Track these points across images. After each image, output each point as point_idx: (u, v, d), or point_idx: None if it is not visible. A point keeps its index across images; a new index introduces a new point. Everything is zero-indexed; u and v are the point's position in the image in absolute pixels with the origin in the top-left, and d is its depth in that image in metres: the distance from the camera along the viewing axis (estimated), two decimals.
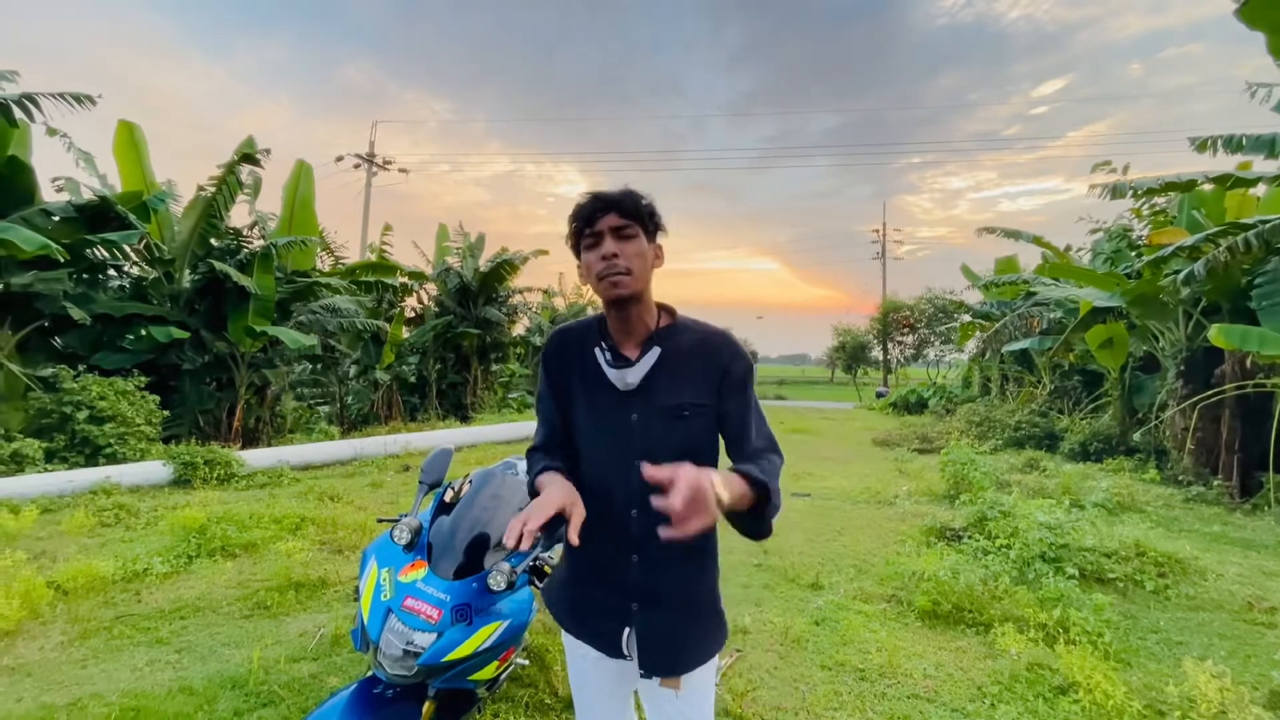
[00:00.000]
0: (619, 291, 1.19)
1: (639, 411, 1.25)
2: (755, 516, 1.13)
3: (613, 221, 1.19)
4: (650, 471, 0.97)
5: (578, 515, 1.08)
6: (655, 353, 1.24)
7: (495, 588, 1.64)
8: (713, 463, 1.27)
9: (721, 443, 1.31)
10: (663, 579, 1.26)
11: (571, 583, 1.37)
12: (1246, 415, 6.78)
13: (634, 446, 1.23)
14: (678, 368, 1.25)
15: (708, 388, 1.25)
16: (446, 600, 1.58)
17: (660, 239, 1.27)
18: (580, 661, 1.37)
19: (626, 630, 1.27)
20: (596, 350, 1.28)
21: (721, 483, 1.00)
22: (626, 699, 1.42)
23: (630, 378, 1.24)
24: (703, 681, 1.30)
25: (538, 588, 1.88)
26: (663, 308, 1.32)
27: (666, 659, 1.27)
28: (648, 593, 1.26)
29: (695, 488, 0.93)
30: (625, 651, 1.27)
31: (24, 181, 7.03)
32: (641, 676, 1.28)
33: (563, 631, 1.39)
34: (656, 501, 0.94)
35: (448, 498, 1.97)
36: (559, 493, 1.10)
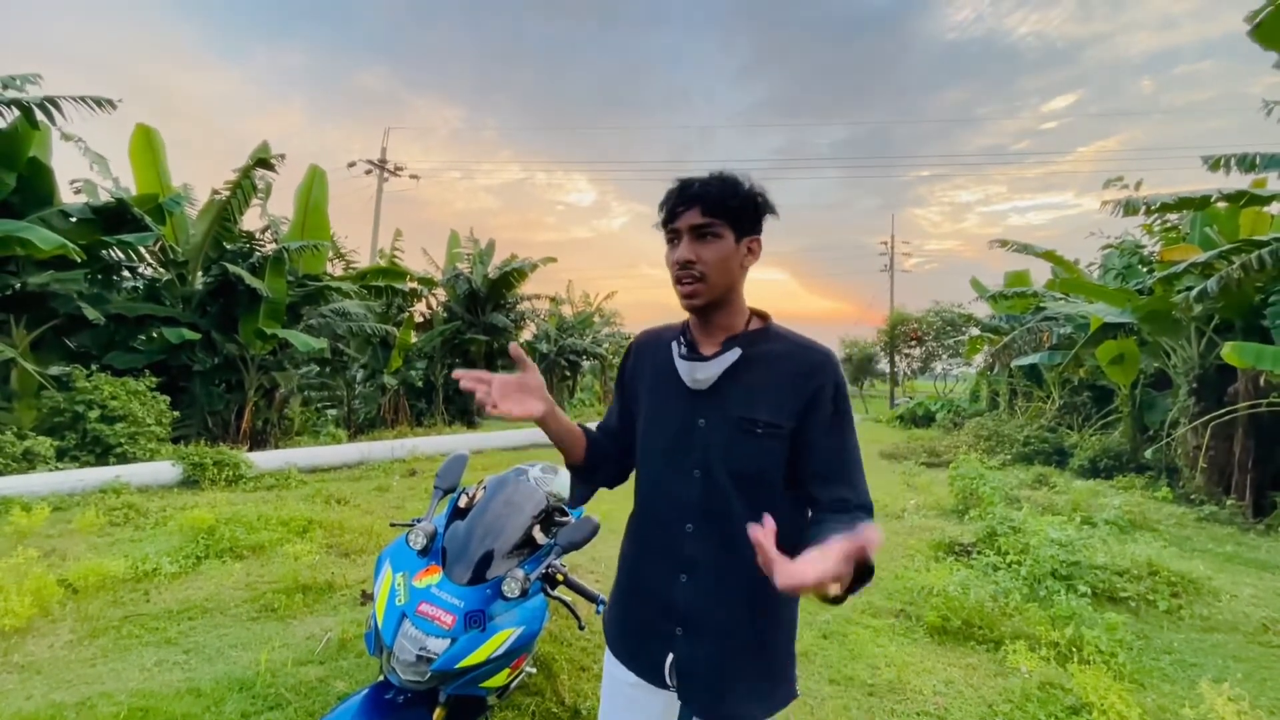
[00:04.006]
0: (692, 302, 1.11)
1: (706, 417, 1.13)
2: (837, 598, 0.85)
3: (693, 220, 1.07)
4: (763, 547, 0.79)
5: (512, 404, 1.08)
6: (735, 353, 1.12)
7: (509, 594, 1.63)
8: (774, 497, 1.11)
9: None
10: (713, 606, 1.13)
11: (620, 599, 1.28)
12: (1260, 434, 6.71)
13: (694, 455, 1.13)
14: (759, 376, 1.12)
15: (790, 408, 1.09)
16: (461, 606, 1.58)
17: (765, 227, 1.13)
18: (614, 684, 1.26)
19: (670, 656, 1.15)
20: (673, 344, 1.19)
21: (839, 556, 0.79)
22: None
23: (700, 374, 1.12)
24: None
25: (550, 595, 1.87)
26: (756, 312, 1.20)
27: (710, 698, 1.13)
28: (693, 618, 1.14)
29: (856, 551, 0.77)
30: (668, 680, 1.16)
31: (43, 183, 7.13)
32: (682, 704, 1.15)
33: (606, 651, 1.29)
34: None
35: (462, 503, 1.97)
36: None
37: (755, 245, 1.13)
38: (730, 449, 1.11)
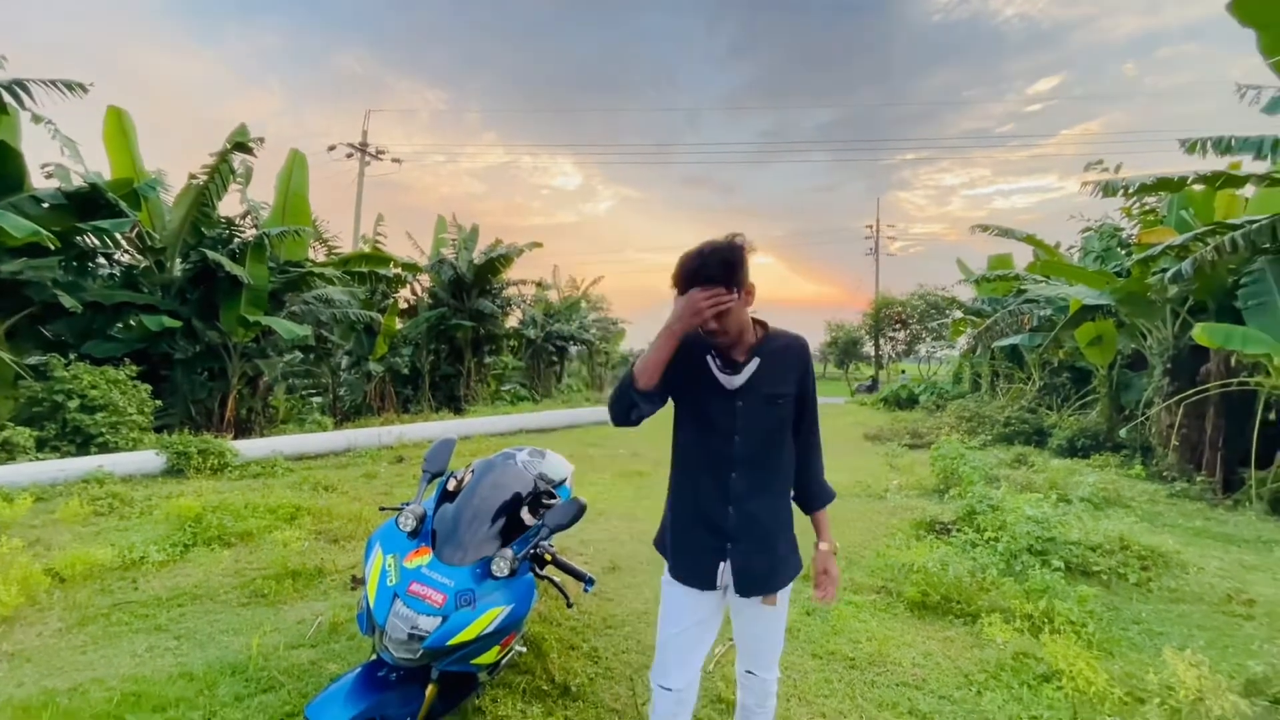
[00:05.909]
0: (723, 342, 1.54)
1: (743, 400, 1.58)
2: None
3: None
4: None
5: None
6: (756, 361, 1.58)
7: (498, 574, 1.67)
8: (785, 444, 1.67)
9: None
10: (754, 524, 1.61)
11: (677, 528, 1.70)
12: (1230, 413, 6.90)
13: (736, 425, 1.59)
14: (772, 368, 1.59)
15: (793, 381, 1.62)
16: (451, 585, 1.62)
17: (752, 269, 1.49)
18: (672, 596, 1.70)
19: (722, 565, 1.61)
20: (708, 358, 1.60)
21: (828, 549, 1.73)
22: (707, 625, 1.70)
23: (736, 380, 1.58)
24: (783, 598, 1.69)
25: (538, 575, 1.92)
26: (757, 322, 1.62)
27: (760, 583, 1.63)
28: (740, 534, 1.61)
29: (833, 577, 1.71)
30: (719, 582, 1.62)
31: (13, 167, 6.96)
32: (738, 594, 1.63)
33: (664, 570, 1.73)
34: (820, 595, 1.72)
35: (450, 486, 2.00)
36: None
37: (753, 288, 1.52)
38: (761, 418, 1.60)
